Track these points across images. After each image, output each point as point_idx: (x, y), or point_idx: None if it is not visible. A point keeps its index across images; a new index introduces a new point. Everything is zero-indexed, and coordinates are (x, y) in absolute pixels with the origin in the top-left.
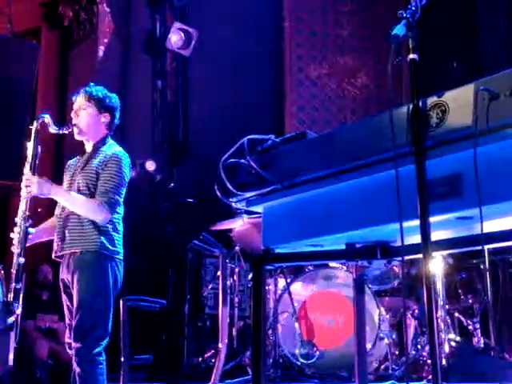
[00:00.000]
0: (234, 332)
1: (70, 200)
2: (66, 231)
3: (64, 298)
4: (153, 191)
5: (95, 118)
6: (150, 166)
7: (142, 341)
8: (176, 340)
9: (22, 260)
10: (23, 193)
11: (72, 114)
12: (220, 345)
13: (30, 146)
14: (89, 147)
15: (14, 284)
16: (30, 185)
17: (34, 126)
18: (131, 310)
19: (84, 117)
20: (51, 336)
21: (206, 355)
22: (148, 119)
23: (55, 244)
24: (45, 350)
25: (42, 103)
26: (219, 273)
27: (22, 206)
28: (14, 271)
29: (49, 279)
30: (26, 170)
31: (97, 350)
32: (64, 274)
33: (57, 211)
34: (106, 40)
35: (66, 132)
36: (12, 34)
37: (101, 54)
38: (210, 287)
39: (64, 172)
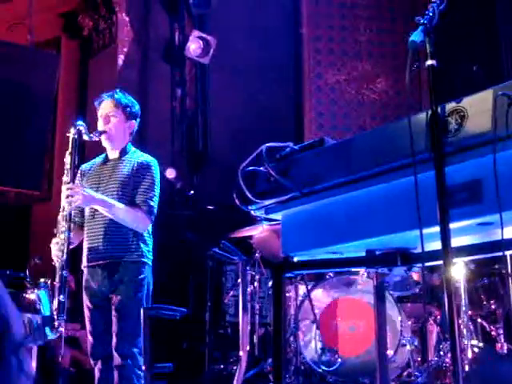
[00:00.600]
0: (256, 339)
1: (114, 209)
2: (104, 239)
3: (89, 307)
4: (173, 199)
5: (123, 125)
6: (170, 173)
7: (162, 349)
8: (197, 348)
9: (65, 272)
10: (65, 203)
11: (101, 120)
12: (241, 352)
13: (68, 154)
14: (113, 154)
15: (58, 297)
16: (74, 195)
17: (72, 135)
18: (151, 318)
19: (114, 123)
20: (73, 344)
21: (227, 363)
22: (167, 127)
23: (88, 252)
24: (67, 359)
25: (62, 113)
26: (239, 280)
27: (65, 217)
28: (57, 284)
29: (71, 287)
30: (66, 179)
31: (141, 362)
32: (96, 283)
33: (86, 217)
34: (125, 49)
35: (97, 139)
36: (32, 45)
37: (120, 62)
38: (230, 294)
39: (80, 177)
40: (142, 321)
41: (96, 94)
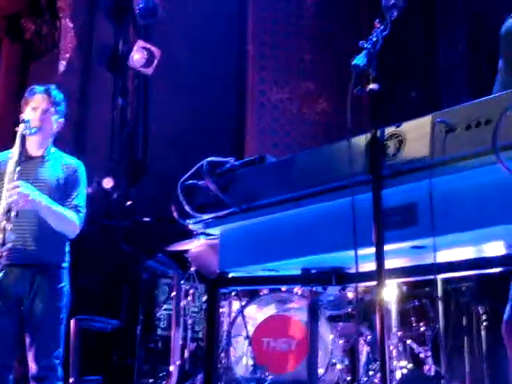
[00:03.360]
0: (187, 354)
1: (53, 211)
2: (32, 239)
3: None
4: (109, 209)
5: (54, 123)
6: (108, 183)
7: (92, 361)
8: (127, 361)
9: None
10: (8, 197)
11: (34, 112)
12: (172, 367)
13: (16, 149)
14: (36, 152)
15: None
16: (21, 191)
17: (20, 130)
18: (82, 329)
19: (48, 119)
20: None
21: (157, 377)
22: (107, 136)
23: (8, 250)
24: None
25: (0, 115)
26: (173, 294)
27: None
28: None
29: None
30: (11, 172)
31: (61, 374)
32: (12, 285)
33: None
34: (67, 55)
35: (34, 135)
36: None
37: (62, 68)
38: (163, 308)
39: None
40: (72, 332)
41: None
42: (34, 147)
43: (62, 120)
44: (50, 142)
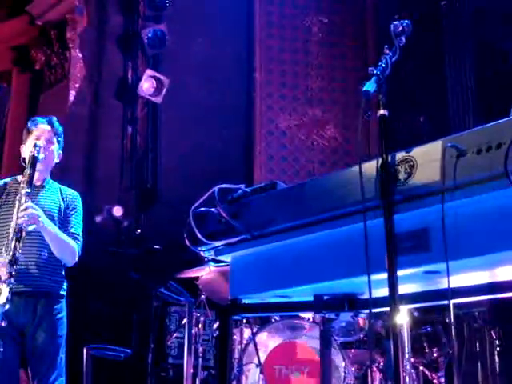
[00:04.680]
0: (198, 382)
1: (58, 238)
2: (37, 265)
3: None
4: (119, 237)
5: (56, 154)
6: (117, 211)
7: None
8: None
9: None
10: (20, 220)
11: (43, 141)
12: None
13: (27, 172)
14: (36, 181)
15: None
16: (32, 217)
17: (33, 154)
18: (92, 357)
19: (52, 150)
20: None
21: None
22: (117, 164)
23: (7, 275)
24: None
25: (10, 146)
26: (184, 321)
27: (15, 237)
28: None
29: None
30: (24, 195)
31: None
32: (16, 312)
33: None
34: (77, 85)
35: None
36: None
37: (72, 98)
38: (174, 336)
39: None
40: (84, 360)
41: None
42: (35, 175)
43: (61, 152)
44: (49, 173)
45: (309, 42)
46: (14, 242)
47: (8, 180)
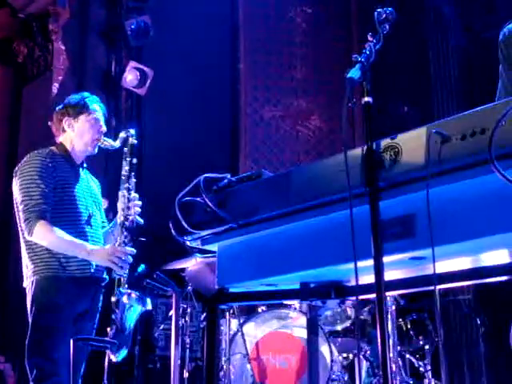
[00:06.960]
0: (185, 374)
1: None
2: None
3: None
4: None
5: None
6: (103, 203)
7: (89, 382)
8: (125, 382)
9: None
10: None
11: (104, 127)
12: None
13: (129, 161)
14: (78, 158)
15: None
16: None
17: (131, 143)
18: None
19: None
20: None
21: None
22: (101, 157)
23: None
24: None
25: None
26: (171, 313)
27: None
28: None
29: None
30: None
31: None
32: (85, 299)
33: (80, 221)
34: (60, 77)
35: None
36: None
37: (55, 91)
38: (161, 328)
39: (50, 170)
40: (71, 352)
41: (29, 122)
42: (82, 157)
43: None
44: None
45: (293, 33)
46: (123, 232)
47: (45, 156)
